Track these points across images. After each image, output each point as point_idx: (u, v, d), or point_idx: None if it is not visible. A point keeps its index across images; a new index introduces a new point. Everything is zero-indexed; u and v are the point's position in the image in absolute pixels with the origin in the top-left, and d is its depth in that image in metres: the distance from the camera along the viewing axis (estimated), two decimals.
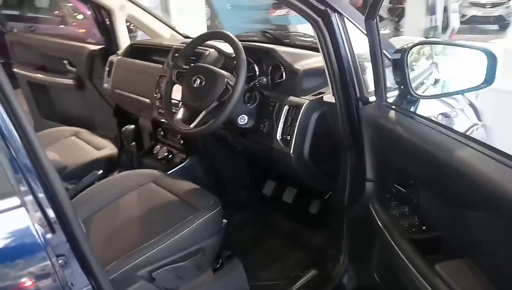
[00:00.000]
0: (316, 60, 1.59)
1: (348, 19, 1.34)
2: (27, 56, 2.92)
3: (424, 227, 0.94)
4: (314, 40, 2.04)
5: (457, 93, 1.29)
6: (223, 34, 1.53)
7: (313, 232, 1.82)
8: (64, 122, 2.91)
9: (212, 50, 1.84)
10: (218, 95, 1.43)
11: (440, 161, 0.88)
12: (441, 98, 1.46)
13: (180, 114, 1.54)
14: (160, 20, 2.59)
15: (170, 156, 1.96)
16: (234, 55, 1.74)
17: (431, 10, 8.68)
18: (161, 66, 2.06)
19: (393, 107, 1.19)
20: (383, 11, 9.82)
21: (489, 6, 9.70)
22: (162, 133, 2.02)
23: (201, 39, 1.64)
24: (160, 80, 2.00)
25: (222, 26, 7.21)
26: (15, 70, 2.95)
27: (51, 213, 0.77)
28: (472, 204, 0.80)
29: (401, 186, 1.07)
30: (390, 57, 1.36)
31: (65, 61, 2.76)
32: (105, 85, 2.43)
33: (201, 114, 1.46)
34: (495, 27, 10.20)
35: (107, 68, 2.43)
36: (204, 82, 1.47)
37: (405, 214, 1.00)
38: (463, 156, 0.83)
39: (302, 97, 1.45)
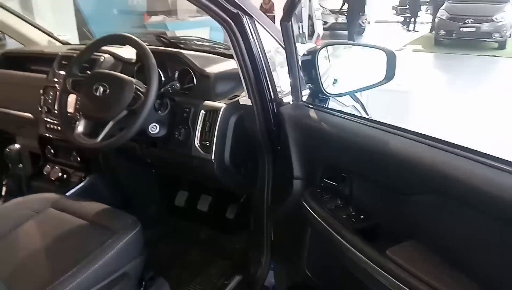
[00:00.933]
0: (225, 64, 1.57)
1: (258, 22, 1.35)
2: None
3: (362, 217, 0.98)
4: (214, 45, 2.05)
5: (363, 89, 1.39)
6: (125, 38, 1.42)
7: (233, 237, 1.79)
8: None
9: (107, 55, 1.69)
10: (127, 103, 1.32)
11: (375, 151, 0.93)
12: (348, 94, 1.55)
13: (80, 127, 1.38)
14: (35, 26, 2.31)
15: (65, 176, 1.74)
16: (134, 61, 1.64)
17: (298, 18, 9.35)
18: (44, 76, 1.83)
19: (311, 106, 1.23)
20: None
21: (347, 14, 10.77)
22: (52, 151, 1.79)
23: (99, 44, 1.49)
24: (45, 92, 1.78)
25: (93, 34, 6.74)
26: None
27: None
28: (413, 188, 0.86)
29: (330, 181, 1.11)
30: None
31: None
32: None
33: (108, 126, 1.33)
34: None
35: None
36: (108, 90, 1.34)
37: (339, 207, 1.04)
38: (397, 144, 0.89)
39: (218, 101, 1.42)
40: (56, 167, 1.76)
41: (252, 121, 1.38)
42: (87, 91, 1.37)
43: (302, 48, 1.39)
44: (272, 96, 1.37)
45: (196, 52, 1.73)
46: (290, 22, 1.19)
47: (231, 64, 1.60)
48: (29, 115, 1.87)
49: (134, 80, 1.37)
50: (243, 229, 1.70)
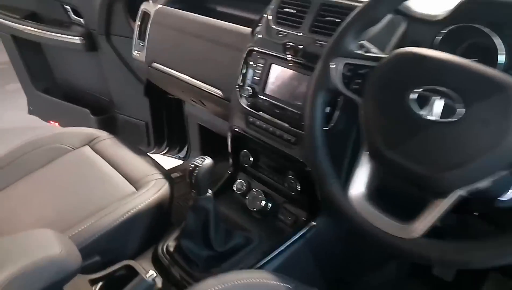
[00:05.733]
0: None
1: None
2: None
3: None
4: None
5: None
6: None
7: None
8: (69, 98, 2.00)
9: None
10: None
11: None
12: None
13: (361, 178, 0.62)
14: None
15: (269, 206, 1.04)
16: (440, 17, 0.81)
17: None
18: (247, 30, 1.10)
19: None
20: None
21: None
22: (252, 158, 1.09)
23: None
24: (249, 60, 1.05)
25: None
26: None
27: None
28: None
29: None
30: None
31: (68, 8, 1.79)
32: (135, 53, 1.47)
33: (450, 198, 0.54)
34: None
35: (138, 23, 1.46)
36: (464, 112, 0.53)
37: None
38: None
39: None
40: (256, 190, 1.06)
41: None
42: (390, 104, 0.58)
43: None
44: None
45: None
46: None
47: None
48: (219, 92, 1.18)
49: None
50: None
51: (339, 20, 0.83)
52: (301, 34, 0.93)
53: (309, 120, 0.66)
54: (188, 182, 0.90)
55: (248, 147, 1.09)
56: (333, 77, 0.65)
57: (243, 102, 1.04)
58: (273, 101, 0.97)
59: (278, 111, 0.97)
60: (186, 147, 1.98)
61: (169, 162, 1.96)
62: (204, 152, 1.84)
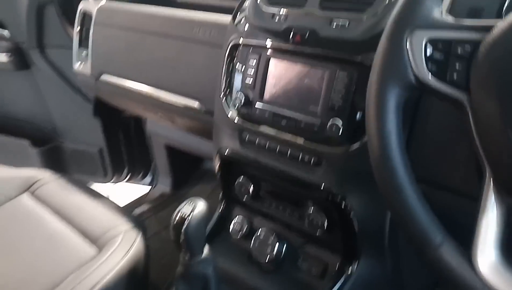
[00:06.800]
0: None
1: None
2: None
3: None
4: None
5: None
6: None
7: None
8: (3, 130, 1.65)
9: None
10: None
11: None
12: None
13: (489, 235, 0.36)
14: None
15: (286, 251, 0.77)
16: None
17: None
18: (228, 17, 0.83)
19: None
20: None
21: None
22: (252, 189, 0.81)
23: None
24: (234, 56, 0.77)
25: None
26: None
27: None
28: None
29: None
30: None
31: None
32: (78, 66, 1.16)
33: None
34: None
35: (77, 28, 1.15)
36: None
37: None
38: None
39: None
40: (262, 230, 0.79)
41: None
42: None
43: None
44: None
45: None
46: None
47: None
48: (193, 103, 0.90)
49: None
50: None
51: None
52: (308, 12, 0.67)
53: (379, 139, 0.39)
54: (172, 237, 0.62)
55: (245, 173, 0.81)
56: (413, 62, 0.39)
57: (233, 115, 0.77)
58: (278, 109, 0.71)
59: (286, 122, 0.70)
60: (151, 171, 1.68)
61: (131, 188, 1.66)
62: (176, 176, 1.55)
